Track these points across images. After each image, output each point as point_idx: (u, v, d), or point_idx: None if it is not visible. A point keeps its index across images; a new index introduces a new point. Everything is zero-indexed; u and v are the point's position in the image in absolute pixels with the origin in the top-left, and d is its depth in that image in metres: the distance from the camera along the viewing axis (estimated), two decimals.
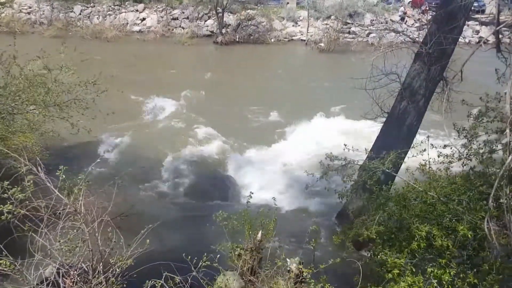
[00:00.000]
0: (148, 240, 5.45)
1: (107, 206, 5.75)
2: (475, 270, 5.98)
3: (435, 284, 5.92)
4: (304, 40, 34.06)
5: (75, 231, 5.14)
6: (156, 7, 36.54)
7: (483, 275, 5.83)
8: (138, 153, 14.51)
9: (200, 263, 5.59)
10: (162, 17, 35.81)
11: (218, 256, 6.32)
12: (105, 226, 5.33)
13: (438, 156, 7.57)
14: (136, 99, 19.30)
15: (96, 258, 5.14)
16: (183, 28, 35.01)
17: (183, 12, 36.00)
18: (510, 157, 3.02)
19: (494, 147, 6.86)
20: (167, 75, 23.98)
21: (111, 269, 5.17)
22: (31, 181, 5.19)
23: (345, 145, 7.63)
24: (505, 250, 5.51)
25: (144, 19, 36.08)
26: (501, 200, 5.91)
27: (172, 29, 35.01)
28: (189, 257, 5.63)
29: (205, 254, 6.03)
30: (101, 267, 5.14)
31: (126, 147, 14.80)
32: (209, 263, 5.71)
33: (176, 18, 35.91)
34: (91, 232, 5.08)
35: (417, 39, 10.57)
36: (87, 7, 36.37)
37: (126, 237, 5.59)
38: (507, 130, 3.03)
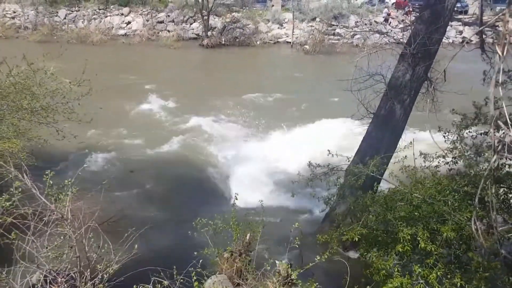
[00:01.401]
0: (136, 246, 5.43)
1: (94, 211, 5.72)
2: (463, 269, 6.04)
3: (423, 285, 5.98)
4: (290, 42, 34.22)
5: (62, 237, 5.09)
6: (142, 10, 36.43)
7: (470, 274, 5.90)
8: (125, 157, 14.44)
9: (187, 268, 5.57)
10: (147, 20, 35.71)
11: (201, 260, 6.32)
12: (93, 232, 5.29)
13: (422, 156, 7.65)
14: (123, 103, 19.20)
15: (83, 264, 5.10)
16: (168, 31, 34.94)
17: (169, 15, 35.93)
18: (494, 157, 3.07)
19: (479, 149, 6.97)
20: (153, 78, 23.88)
21: (98, 275, 5.13)
22: (19, 189, 5.13)
23: (329, 150, 7.67)
24: (491, 249, 5.58)
25: (129, 22, 35.92)
26: (486, 199, 6.02)
27: (158, 32, 34.93)
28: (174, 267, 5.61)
29: (194, 253, 6.03)
30: (89, 273, 5.10)
31: (113, 152, 14.70)
32: (198, 268, 5.70)
33: (162, 21, 35.82)
34: (78, 238, 5.03)
35: (401, 40, 10.69)
36: (71, 11, 36.12)
37: (114, 242, 5.56)
38: (491, 130, 3.09)
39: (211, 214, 7.54)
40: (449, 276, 5.99)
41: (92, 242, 5.24)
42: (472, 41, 31.09)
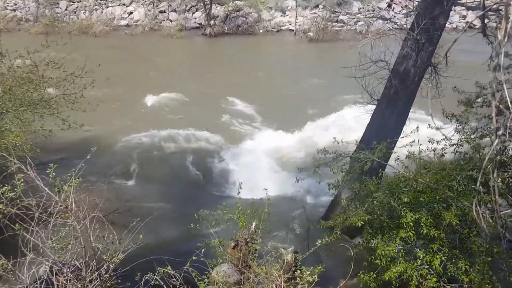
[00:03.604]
0: (141, 236, 5.47)
1: (99, 202, 5.75)
2: (467, 254, 6.06)
3: (427, 270, 6.01)
4: (293, 30, 33.97)
5: (67, 228, 5.13)
6: (143, 0, 36.24)
7: (474, 258, 5.92)
8: (131, 147, 14.45)
9: (193, 257, 5.61)
10: (149, 10, 35.56)
11: (204, 250, 6.35)
12: (98, 223, 5.33)
13: (429, 141, 7.61)
14: (128, 93, 19.20)
15: (89, 255, 5.14)
16: (171, 21, 34.80)
17: (170, 5, 35.76)
18: (496, 141, 3.06)
19: (485, 132, 6.93)
20: (158, 68, 23.87)
21: (104, 265, 5.18)
22: (22, 180, 5.16)
23: (335, 138, 7.66)
24: (494, 233, 5.59)
25: (131, 12, 35.79)
26: (490, 184, 5.99)
27: (160, 22, 34.80)
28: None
29: (198, 245, 6.07)
30: (94, 263, 5.14)
31: (119, 142, 14.71)
32: (202, 257, 5.73)
33: (164, 11, 35.67)
34: (83, 229, 5.07)
35: (404, 25, 10.58)
36: (73, 2, 36.00)
37: (119, 233, 5.60)
38: (493, 114, 3.06)
39: (217, 204, 7.56)
40: (453, 261, 6.01)
41: (97, 233, 5.28)
42: (475, 25, 30.77)
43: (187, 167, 13.52)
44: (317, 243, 6.30)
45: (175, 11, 35.54)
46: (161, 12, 35.68)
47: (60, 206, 4.96)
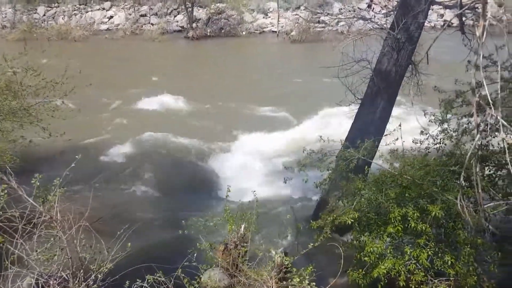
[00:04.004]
0: (129, 244, 5.41)
1: (84, 211, 5.67)
2: (452, 247, 6.15)
3: (414, 265, 6.08)
4: (275, 32, 34.06)
5: (52, 239, 5.05)
6: (124, 4, 35.96)
7: (459, 251, 6.01)
8: (114, 154, 14.30)
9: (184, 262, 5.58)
10: (130, 14, 35.30)
11: (195, 254, 6.33)
12: (84, 232, 5.26)
13: (413, 142, 7.73)
14: (109, 98, 19.01)
15: (76, 265, 5.06)
16: (152, 24, 34.60)
17: (152, 8, 35.57)
18: (477, 136, 3.11)
19: (466, 129, 7.05)
20: (139, 72, 23.69)
21: (92, 275, 5.10)
22: (5, 191, 5.07)
23: (321, 136, 7.70)
24: (478, 225, 5.68)
25: (111, 17, 35.49)
26: (472, 178, 6.09)
27: (142, 26, 34.57)
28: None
29: (190, 251, 6.05)
30: (82, 274, 5.07)
31: (103, 150, 14.54)
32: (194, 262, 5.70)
33: (145, 15, 35.46)
34: (69, 239, 4.99)
35: (384, 25, 10.70)
36: (51, 7, 35.51)
37: (107, 241, 5.53)
38: (474, 111, 3.11)
39: (205, 209, 7.55)
40: (439, 255, 6.10)
41: (84, 243, 5.20)
42: (453, 23, 30.99)
43: (174, 172, 13.41)
44: (309, 245, 6.32)
45: (156, 14, 35.35)
46: (142, 16, 35.44)
47: (45, 216, 4.88)
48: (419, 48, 9.69)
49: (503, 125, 2.87)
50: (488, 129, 2.97)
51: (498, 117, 2.83)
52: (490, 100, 2.89)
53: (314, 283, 5.97)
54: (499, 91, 3.67)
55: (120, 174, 13.22)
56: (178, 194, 12.26)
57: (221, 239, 7.63)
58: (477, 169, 3.58)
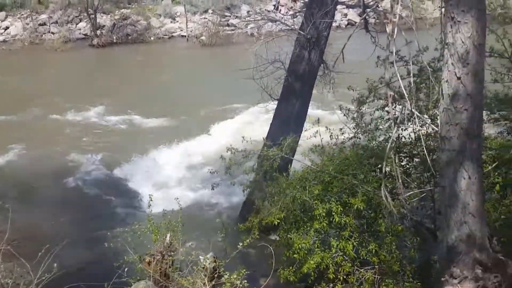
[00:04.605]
0: (55, 264, 5.10)
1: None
2: (375, 236, 6.49)
3: (342, 257, 6.34)
4: (185, 36, 33.78)
5: None
6: (20, 14, 33.68)
7: (382, 239, 6.36)
8: (20, 171, 13.46)
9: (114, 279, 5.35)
10: (27, 24, 33.13)
11: (126, 269, 6.12)
12: (4, 256, 4.87)
13: (331, 138, 8.04)
14: (9, 114, 17.74)
15: None
16: (53, 33, 32.73)
17: (51, 17, 33.67)
18: (395, 128, 3.32)
19: (378, 124, 7.48)
20: (41, 84, 22.35)
21: None
22: None
23: (243, 137, 7.75)
24: (398, 213, 6.04)
25: (7, 27, 33.07)
26: (390, 169, 6.50)
27: (41, 36, 32.57)
28: None
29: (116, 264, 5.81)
30: None
31: (8, 168, 13.57)
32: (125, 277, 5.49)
33: (44, 24, 33.44)
34: None
35: (293, 26, 11.06)
36: None
37: (28, 264, 5.17)
38: (389, 104, 3.32)
39: (127, 220, 7.30)
40: (364, 244, 6.41)
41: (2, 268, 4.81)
42: (356, 22, 33.16)
43: (87, 188, 12.83)
44: (238, 246, 6.34)
45: (57, 22, 33.54)
46: (41, 25, 33.40)
47: None
48: (329, 46, 10.15)
49: (417, 116, 3.10)
50: (405, 120, 3.19)
51: (413, 110, 3.05)
52: (405, 93, 3.10)
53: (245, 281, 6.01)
54: (412, 84, 3.97)
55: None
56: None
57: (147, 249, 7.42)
58: (397, 160, 3.83)
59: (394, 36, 3.33)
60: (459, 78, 3.88)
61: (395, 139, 3.63)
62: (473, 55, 3.84)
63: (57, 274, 5.08)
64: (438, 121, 3.93)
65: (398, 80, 3.34)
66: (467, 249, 4.51)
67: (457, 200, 4.42)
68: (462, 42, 3.73)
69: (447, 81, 3.95)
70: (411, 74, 3.81)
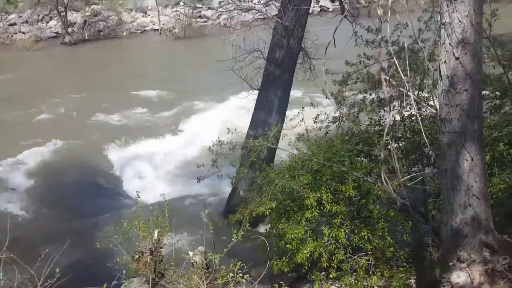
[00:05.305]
0: (57, 269, 4.98)
1: None
2: (366, 222, 6.45)
3: (334, 245, 6.29)
4: (158, 30, 33.32)
5: None
6: None
7: (373, 225, 6.33)
8: None
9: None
10: None
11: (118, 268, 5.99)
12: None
13: (314, 122, 7.95)
14: None
15: None
16: (23, 33, 31.98)
17: (21, 16, 32.87)
18: (391, 113, 3.27)
19: (362, 107, 7.44)
20: (16, 85, 21.74)
21: None
22: None
23: (228, 128, 7.62)
24: (390, 199, 6.00)
25: None
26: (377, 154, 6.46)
27: (12, 36, 31.81)
28: None
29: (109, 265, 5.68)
30: None
31: None
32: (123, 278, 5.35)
33: (14, 24, 32.68)
34: None
35: (268, 14, 10.95)
36: None
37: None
38: (383, 87, 3.26)
39: (115, 218, 7.14)
40: (356, 231, 6.36)
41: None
42: (329, 8, 33.40)
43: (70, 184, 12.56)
44: (232, 239, 6.23)
45: (27, 22, 32.72)
46: (11, 25, 32.63)
47: None
48: (307, 33, 10.07)
49: (415, 100, 3.04)
50: (405, 104, 3.13)
51: (409, 93, 3.00)
52: (403, 76, 3.04)
53: (247, 274, 5.93)
54: (407, 67, 3.89)
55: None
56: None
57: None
58: (393, 144, 3.78)
59: (388, 18, 3.26)
60: (457, 59, 3.79)
61: (391, 123, 3.57)
62: (471, 34, 3.74)
63: (56, 277, 4.94)
64: (437, 103, 3.87)
65: (394, 61, 3.27)
66: (472, 232, 4.40)
67: (460, 183, 4.32)
68: (460, 21, 3.65)
69: (445, 61, 3.87)
70: (406, 57, 3.77)
